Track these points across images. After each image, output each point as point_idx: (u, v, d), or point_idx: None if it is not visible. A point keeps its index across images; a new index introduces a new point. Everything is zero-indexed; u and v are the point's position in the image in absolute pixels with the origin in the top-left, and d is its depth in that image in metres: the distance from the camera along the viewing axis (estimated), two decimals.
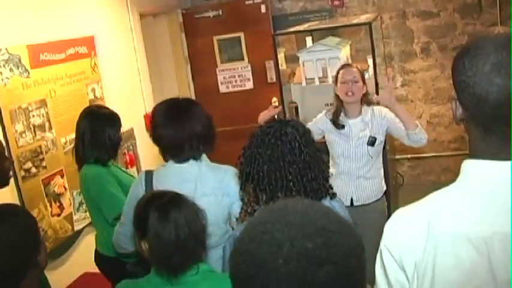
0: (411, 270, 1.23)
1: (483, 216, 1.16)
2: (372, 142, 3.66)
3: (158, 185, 2.56)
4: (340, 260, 0.88)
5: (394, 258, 1.26)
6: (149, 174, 2.65)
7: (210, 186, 2.54)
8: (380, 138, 3.71)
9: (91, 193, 3.13)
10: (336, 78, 3.78)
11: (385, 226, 1.31)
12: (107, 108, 3.35)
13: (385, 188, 3.93)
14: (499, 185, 1.15)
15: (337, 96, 3.75)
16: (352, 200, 3.74)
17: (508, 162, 1.15)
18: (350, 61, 5.18)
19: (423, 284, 1.22)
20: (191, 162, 2.58)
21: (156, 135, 2.60)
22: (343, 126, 3.72)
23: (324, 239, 0.89)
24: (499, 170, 1.17)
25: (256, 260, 0.89)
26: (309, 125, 3.67)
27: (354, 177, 3.73)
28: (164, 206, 1.91)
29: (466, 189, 1.22)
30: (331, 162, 3.81)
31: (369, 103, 3.81)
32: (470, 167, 1.22)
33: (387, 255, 1.27)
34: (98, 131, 3.14)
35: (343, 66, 3.86)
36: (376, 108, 3.78)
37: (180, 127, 2.53)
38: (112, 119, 3.23)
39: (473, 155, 1.23)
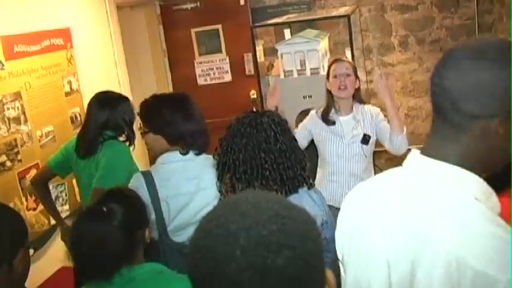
0: (340, 252, 1.35)
1: (396, 209, 1.21)
2: (366, 140, 3.51)
3: (162, 186, 2.53)
4: (298, 244, 0.89)
5: (339, 235, 1.37)
6: (148, 176, 2.57)
7: (208, 180, 2.53)
8: (373, 137, 3.56)
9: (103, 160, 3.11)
10: (327, 73, 3.62)
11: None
12: (114, 92, 3.44)
13: None
14: (424, 182, 1.21)
15: (328, 91, 3.59)
16: None
17: (438, 162, 1.20)
18: (328, 54, 5.19)
19: (346, 268, 1.32)
20: (192, 156, 2.61)
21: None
22: (333, 123, 3.56)
23: (279, 225, 0.89)
24: (425, 167, 1.24)
25: (214, 254, 0.88)
26: (298, 129, 3.62)
27: (350, 176, 3.55)
28: (79, 221, 1.91)
29: (394, 179, 1.33)
30: (321, 163, 3.67)
31: (361, 101, 3.67)
32: (410, 157, 1.34)
33: (338, 230, 1.38)
34: (112, 114, 3.21)
35: (335, 60, 3.68)
36: (367, 107, 3.65)
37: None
38: (122, 100, 3.32)
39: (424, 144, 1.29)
